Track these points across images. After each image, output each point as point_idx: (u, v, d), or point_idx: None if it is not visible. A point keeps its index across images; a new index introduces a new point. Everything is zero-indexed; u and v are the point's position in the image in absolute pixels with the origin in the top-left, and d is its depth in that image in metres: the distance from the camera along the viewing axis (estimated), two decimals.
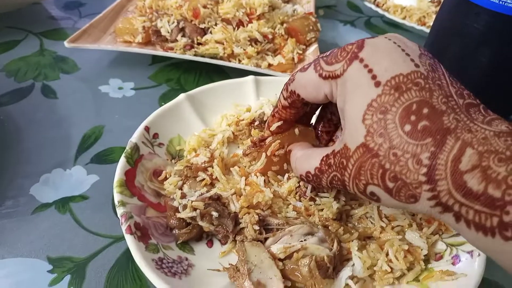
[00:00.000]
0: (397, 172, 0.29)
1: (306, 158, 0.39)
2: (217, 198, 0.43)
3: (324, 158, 0.36)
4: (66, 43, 0.65)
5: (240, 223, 0.42)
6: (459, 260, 0.40)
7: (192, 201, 0.41)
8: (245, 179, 0.46)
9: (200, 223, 0.41)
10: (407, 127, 0.28)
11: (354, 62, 0.32)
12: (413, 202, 0.29)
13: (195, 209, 0.41)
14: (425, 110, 0.28)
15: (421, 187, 0.28)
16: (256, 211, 0.43)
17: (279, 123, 0.44)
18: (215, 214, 0.41)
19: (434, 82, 0.30)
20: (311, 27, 0.75)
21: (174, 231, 0.42)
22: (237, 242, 0.41)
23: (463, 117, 0.28)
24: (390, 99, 0.29)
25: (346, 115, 0.33)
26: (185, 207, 0.41)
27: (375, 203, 0.42)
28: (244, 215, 0.42)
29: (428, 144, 0.27)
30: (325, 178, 0.36)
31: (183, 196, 0.43)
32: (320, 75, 0.35)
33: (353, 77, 0.32)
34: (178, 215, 0.41)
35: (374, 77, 0.31)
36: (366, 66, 0.31)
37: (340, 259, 0.40)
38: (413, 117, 0.28)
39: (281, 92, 0.42)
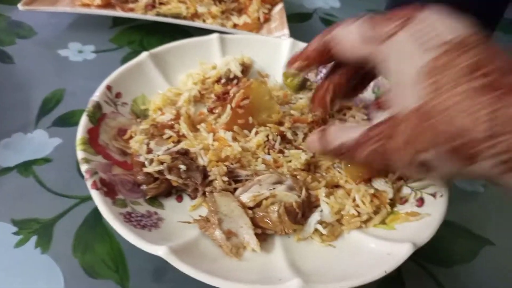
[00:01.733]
0: (454, 131, 0.27)
1: (342, 130, 0.37)
2: (185, 153, 0.43)
3: (366, 131, 0.34)
4: (20, 6, 0.62)
5: (209, 176, 0.42)
6: (423, 202, 0.42)
7: (158, 155, 0.41)
8: (213, 135, 0.46)
9: (168, 176, 0.41)
10: (466, 85, 0.27)
11: (409, 25, 0.31)
12: (472, 162, 0.28)
13: (162, 163, 0.40)
14: (488, 68, 0.27)
15: (482, 144, 0.26)
16: (225, 163, 0.43)
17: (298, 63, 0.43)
18: (182, 167, 0.41)
19: (492, 47, 0.29)
20: None
21: (142, 187, 0.41)
22: (207, 194, 0.41)
23: None
24: (450, 58, 0.28)
25: (396, 79, 0.32)
26: (151, 161, 0.41)
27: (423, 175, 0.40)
28: (213, 167, 0.42)
29: (489, 100, 0.26)
30: (363, 151, 0.34)
31: (149, 151, 0.42)
32: (363, 36, 0.34)
33: (408, 39, 0.31)
34: (145, 169, 0.40)
35: (432, 38, 0.30)
36: (422, 29, 0.31)
37: (309, 206, 0.41)
38: (473, 75, 0.27)
39: (310, 43, 0.41)
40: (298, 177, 0.43)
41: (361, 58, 0.36)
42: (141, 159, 0.42)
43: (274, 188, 0.40)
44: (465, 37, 0.29)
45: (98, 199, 0.36)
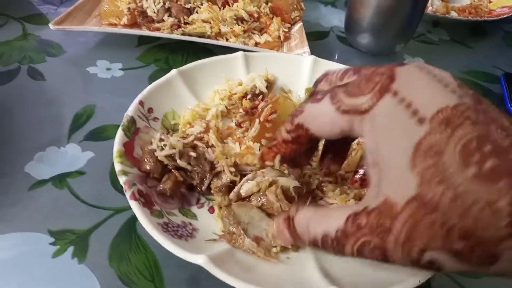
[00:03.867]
0: (468, 227, 0.23)
1: (323, 217, 0.32)
2: (194, 146, 0.45)
3: (351, 218, 0.28)
4: (51, 25, 0.64)
5: (216, 167, 0.44)
6: None
7: (171, 142, 0.43)
8: (239, 145, 0.48)
9: (179, 161, 0.42)
10: (473, 169, 0.23)
11: (386, 96, 0.27)
12: (491, 263, 0.24)
13: (173, 148, 0.43)
14: (488, 147, 0.23)
15: (504, 243, 0.23)
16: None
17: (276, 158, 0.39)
18: (193, 154, 0.43)
19: (484, 114, 0.25)
20: (295, 6, 0.76)
21: (159, 187, 0.42)
22: (223, 208, 0.42)
23: None
24: (442, 137, 0.24)
25: (383, 161, 0.27)
26: (162, 148, 0.43)
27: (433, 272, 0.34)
28: (220, 160, 0.44)
29: (504, 187, 0.22)
30: (351, 244, 0.29)
31: (161, 140, 0.44)
32: (339, 109, 0.30)
33: (386, 113, 0.27)
34: (157, 154, 0.42)
35: (415, 112, 0.25)
36: (402, 100, 0.26)
37: (311, 196, 0.43)
38: (476, 156, 0.23)
39: (284, 125, 0.36)
40: (324, 189, 0.44)
41: (341, 133, 0.31)
42: (153, 146, 0.43)
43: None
44: (456, 105, 0.25)
45: (137, 209, 0.37)
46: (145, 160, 0.43)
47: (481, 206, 0.23)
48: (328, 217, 0.31)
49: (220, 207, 0.43)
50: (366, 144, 0.29)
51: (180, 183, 0.43)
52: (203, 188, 0.44)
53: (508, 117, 0.25)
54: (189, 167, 0.43)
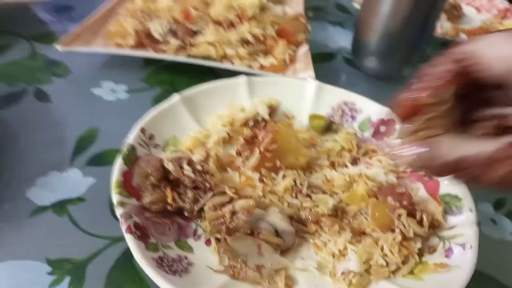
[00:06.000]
0: None
1: (475, 141, 0.29)
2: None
3: (507, 146, 0.27)
4: (59, 47, 0.65)
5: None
6: (452, 253, 0.42)
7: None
8: (239, 174, 0.48)
9: (185, 166, 0.45)
10: None
11: None
12: None
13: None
14: None
15: None
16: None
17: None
18: (199, 167, 0.46)
19: None
20: (301, 28, 0.76)
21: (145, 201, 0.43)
22: (218, 243, 0.42)
23: None
24: None
25: None
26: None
27: None
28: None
29: None
30: (499, 169, 0.27)
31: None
32: None
33: None
34: (165, 156, 0.46)
35: None
36: None
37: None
38: None
39: (431, 67, 0.32)
40: (321, 224, 0.44)
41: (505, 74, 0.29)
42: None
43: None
44: None
45: (132, 244, 0.37)
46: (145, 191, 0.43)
47: None
48: (468, 144, 0.29)
49: (211, 233, 0.43)
50: None
51: (166, 201, 0.43)
52: (196, 207, 0.44)
53: None
54: (192, 176, 0.44)
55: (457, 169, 0.29)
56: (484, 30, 0.94)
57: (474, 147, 0.28)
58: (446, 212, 0.46)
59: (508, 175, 0.27)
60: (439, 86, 0.31)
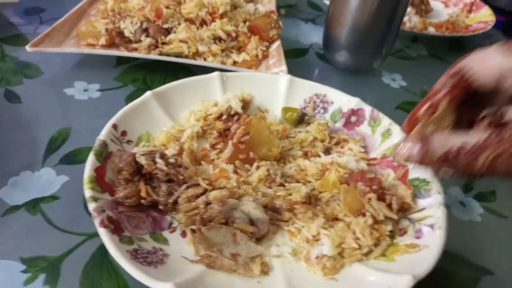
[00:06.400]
0: None
1: (462, 134, 0.33)
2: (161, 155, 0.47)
3: (496, 132, 0.31)
4: (27, 48, 0.64)
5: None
6: (422, 234, 0.43)
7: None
8: (213, 167, 0.48)
9: (158, 160, 0.45)
10: None
11: None
12: None
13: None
14: None
15: None
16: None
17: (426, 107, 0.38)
18: (172, 160, 0.46)
19: None
20: (273, 25, 0.77)
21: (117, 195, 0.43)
22: (190, 233, 0.43)
23: None
24: None
25: None
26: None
27: None
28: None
29: None
30: (487, 154, 0.31)
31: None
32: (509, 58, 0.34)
33: None
34: (137, 150, 0.46)
35: None
36: None
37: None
38: None
39: (437, 83, 0.39)
40: (295, 211, 0.45)
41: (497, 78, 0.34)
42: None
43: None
44: None
45: (105, 237, 0.37)
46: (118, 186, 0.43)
47: None
48: (457, 136, 0.33)
49: (186, 224, 0.43)
50: None
51: (139, 195, 0.43)
52: (171, 200, 0.44)
53: None
54: (165, 168, 0.45)
55: (447, 159, 0.33)
56: (451, 23, 0.96)
57: (462, 138, 0.32)
58: (416, 195, 0.47)
59: (498, 159, 0.30)
60: (439, 98, 0.37)
